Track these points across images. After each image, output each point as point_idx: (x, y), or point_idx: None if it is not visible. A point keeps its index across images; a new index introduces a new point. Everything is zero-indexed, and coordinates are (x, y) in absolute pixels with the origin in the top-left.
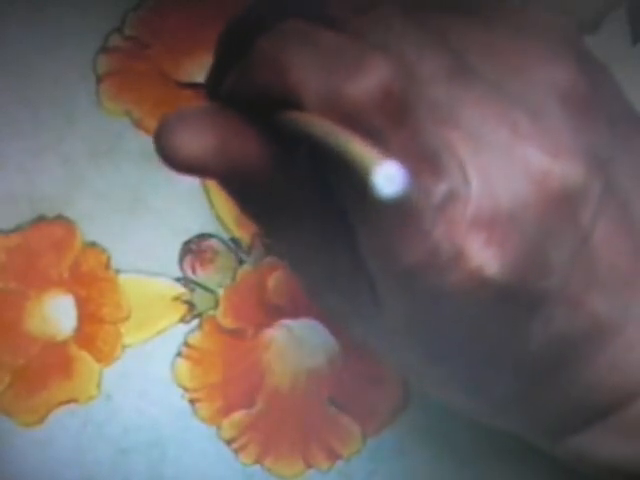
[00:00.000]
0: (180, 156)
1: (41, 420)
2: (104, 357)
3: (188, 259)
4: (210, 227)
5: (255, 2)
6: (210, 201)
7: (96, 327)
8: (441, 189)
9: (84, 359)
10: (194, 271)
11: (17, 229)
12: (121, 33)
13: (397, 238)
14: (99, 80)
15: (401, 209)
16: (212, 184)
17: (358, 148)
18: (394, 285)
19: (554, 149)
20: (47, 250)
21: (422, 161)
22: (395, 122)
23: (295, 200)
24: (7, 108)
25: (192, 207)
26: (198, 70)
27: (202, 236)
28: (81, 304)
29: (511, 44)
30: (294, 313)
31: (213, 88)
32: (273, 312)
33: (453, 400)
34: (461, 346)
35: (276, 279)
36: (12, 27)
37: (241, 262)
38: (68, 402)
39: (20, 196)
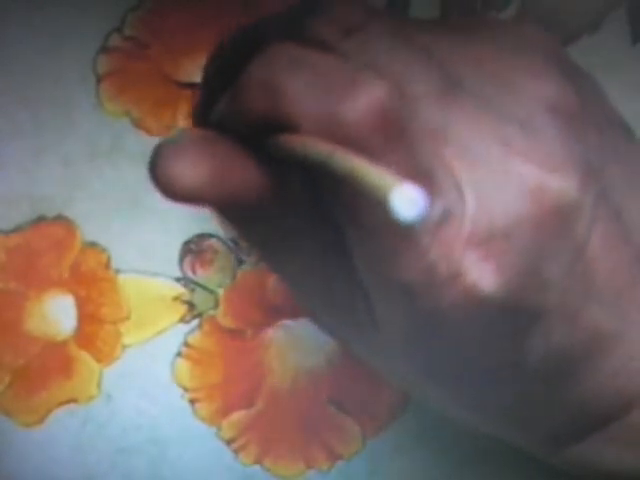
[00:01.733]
0: (177, 187)
1: (41, 420)
2: (104, 357)
3: (188, 259)
4: (210, 227)
5: (242, 27)
6: None
7: (96, 327)
8: (437, 208)
9: (84, 359)
10: (194, 271)
11: (17, 229)
12: (121, 33)
13: (393, 257)
14: (99, 80)
15: (398, 229)
16: None
17: (372, 171)
18: (390, 304)
19: (547, 163)
20: (47, 250)
21: (417, 180)
22: (390, 142)
23: (291, 224)
24: (7, 108)
25: (192, 207)
26: (198, 70)
27: (202, 236)
28: (81, 304)
29: (498, 60)
30: (294, 313)
31: (202, 116)
32: (273, 312)
33: (454, 413)
34: (459, 362)
35: (276, 279)
36: (12, 27)
37: (241, 262)
38: (68, 402)
39: (20, 196)
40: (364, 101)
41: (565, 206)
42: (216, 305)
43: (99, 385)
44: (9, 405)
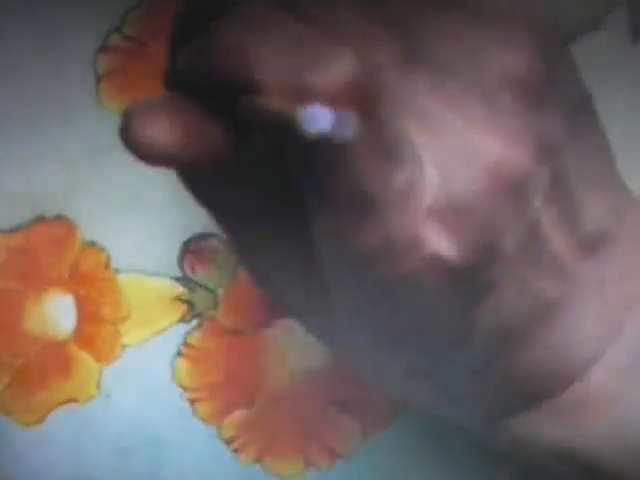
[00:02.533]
0: (150, 150)
1: (41, 420)
2: (104, 357)
3: (188, 259)
4: (210, 227)
5: None
6: None
7: (96, 327)
8: (400, 178)
9: (84, 359)
10: (194, 271)
11: (17, 229)
12: (121, 33)
13: (354, 224)
14: (99, 79)
15: (360, 197)
16: None
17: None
18: (347, 271)
19: (507, 136)
20: (47, 250)
21: (383, 151)
22: (359, 113)
23: (252, 186)
24: (7, 108)
25: (192, 207)
26: None
27: (202, 236)
28: (81, 304)
29: (466, 29)
30: None
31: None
32: (273, 312)
33: (399, 388)
34: (410, 330)
35: None
36: (12, 27)
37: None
38: (68, 402)
39: (20, 196)
40: (334, 71)
41: (522, 180)
42: (216, 305)
43: (99, 385)
44: (9, 405)
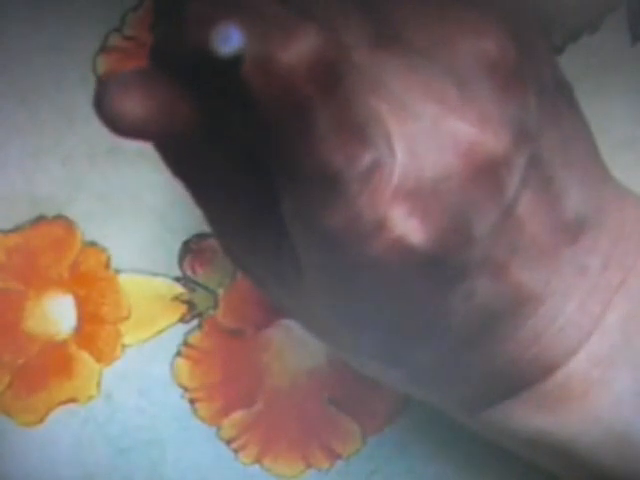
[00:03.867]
0: (125, 123)
1: (41, 420)
2: (104, 357)
3: (188, 259)
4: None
5: None
6: None
7: (96, 327)
8: (366, 158)
9: (84, 359)
10: (194, 271)
11: (17, 229)
12: (121, 33)
13: (320, 203)
14: (99, 80)
15: (326, 175)
16: None
17: None
18: (315, 252)
19: (480, 120)
20: (47, 250)
21: (349, 130)
22: (325, 91)
23: (224, 161)
24: (7, 108)
25: (192, 207)
26: None
27: (202, 236)
28: (81, 304)
29: (441, 12)
30: None
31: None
32: (273, 312)
33: (375, 371)
34: (380, 314)
35: None
36: (12, 27)
37: None
38: (68, 402)
39: (20, 196)
40: (302, 47)
41: (494, 163)
42: (216, 305)
43: (99, 385)
44: (9, 405)
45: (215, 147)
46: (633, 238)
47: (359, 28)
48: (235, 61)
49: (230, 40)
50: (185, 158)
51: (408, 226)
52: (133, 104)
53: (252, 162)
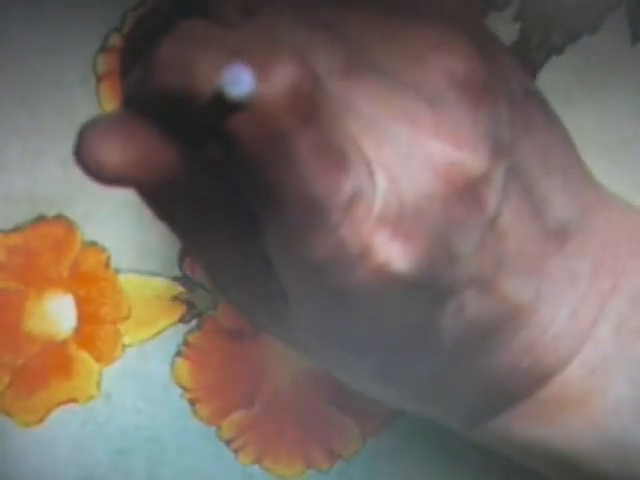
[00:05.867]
0: (105, 172)
1: (41, 420)
2: (104, 357)
3: (188, 259)
4: None
5: (155, 2)
6: None
7: (96, 327)
8: (347, 187)
9: (84, 359)
10: (194, 271)
11: (17, 229)
12: (121, 33)
13: (303, 234)
14: (99, 80)
15: (308, 206)
16: None
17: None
18: (300, 281)
19: (455, 139)
20: (47, 250)
21: (328, 159)
22: (303, 120)
23: (208, 201)
24: (7, 108)
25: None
26: None
27: None
28: (81, 304)
29: (408, 32)
30: None
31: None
32: None
33: (371, 390)
34: (371, 339)
35: None
36: (12, 27)
37: None
38: (68, 402)
39: (20, 196)
40: (278, 80)
41: (473, 181)
42: (216, 305)
43: (99, 385)
44: (9, 405)
45: (197, 184)
46: (621, 243)
47: (328, 56)
48: (242, 105)
49: (241, 83)
50: (168, 201)
51: (391, 251)
52: (112, 153)
53: (234, 195)
